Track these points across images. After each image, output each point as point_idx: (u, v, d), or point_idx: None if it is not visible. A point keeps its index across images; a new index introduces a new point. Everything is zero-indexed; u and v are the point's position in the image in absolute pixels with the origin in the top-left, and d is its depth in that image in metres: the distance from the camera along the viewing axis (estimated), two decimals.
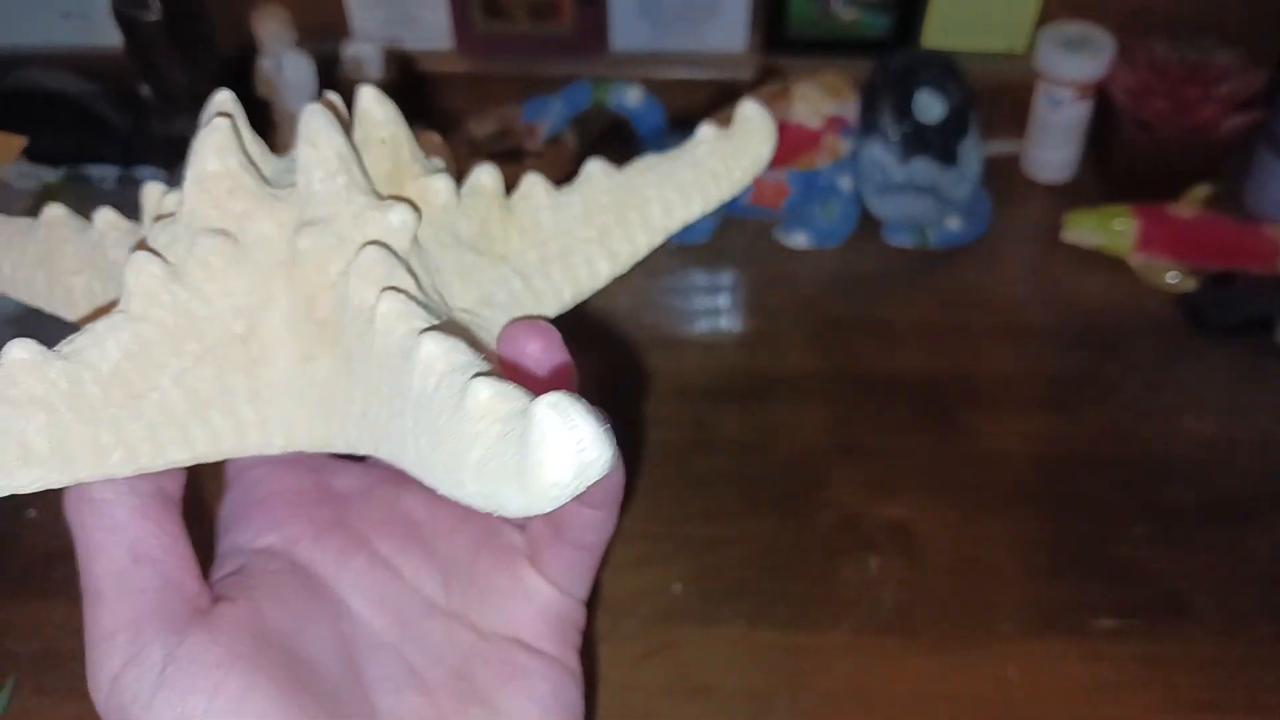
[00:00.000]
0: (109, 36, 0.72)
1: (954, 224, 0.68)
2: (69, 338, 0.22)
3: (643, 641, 0.49)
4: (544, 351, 0.25)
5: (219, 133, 0.24)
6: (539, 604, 0.31)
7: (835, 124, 0.66)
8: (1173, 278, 0.65)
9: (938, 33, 0.74)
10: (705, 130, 0.29)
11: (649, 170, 0.28)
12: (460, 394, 0.18)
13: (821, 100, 0.66)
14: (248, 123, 0.26)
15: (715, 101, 0.72)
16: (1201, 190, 0.66)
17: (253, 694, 0.24)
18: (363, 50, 0.73)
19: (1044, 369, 0.62)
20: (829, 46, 0.74)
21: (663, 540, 0.53)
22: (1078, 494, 0.55)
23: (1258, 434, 0.58)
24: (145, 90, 0.73)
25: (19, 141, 0.65)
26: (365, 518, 0.31)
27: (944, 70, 0.66)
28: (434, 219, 0.26)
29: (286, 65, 0.70)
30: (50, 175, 0.70)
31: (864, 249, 0.68)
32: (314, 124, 0.24)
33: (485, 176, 0.27)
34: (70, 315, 0.28)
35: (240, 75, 0.71)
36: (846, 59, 0.72)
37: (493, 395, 0.17)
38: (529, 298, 0.27)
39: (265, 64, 0.70)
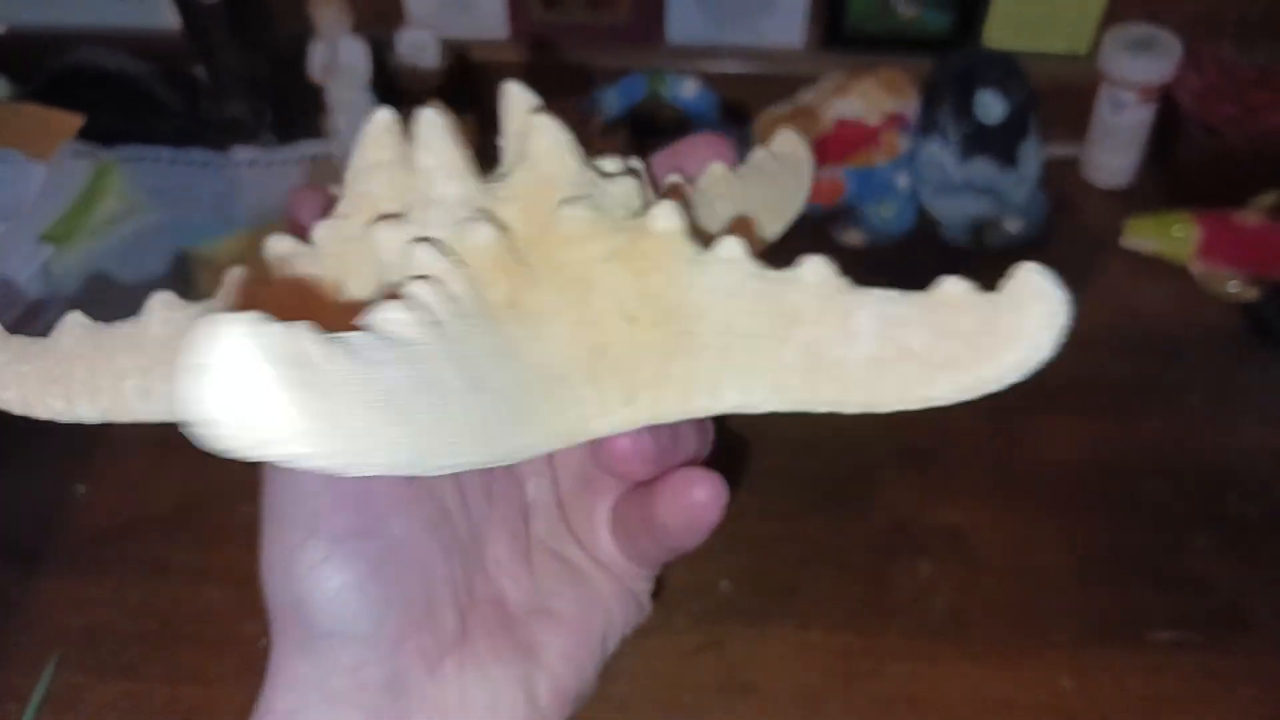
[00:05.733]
0: (166, 18, 0.72)
1: (1011, 226, 0.66)
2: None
3: (692, 637, 0.49)
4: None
5: (376, 125, 0.25)
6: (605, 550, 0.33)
7: (894, 121, 0.66)
8: (1234, 287, 0.64)
9: (999, 32, 0.73)
10: (952, 286, 0.21)
11: (859, 307, 0.21)
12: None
13: (881, 97, 0.65)
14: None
15: (771, 96, 0.71)
16: (1268, 198, 0.65)
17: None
18: (418, 38, 0.72)
19: (1102, 376, 0.60)
20: (888, 43, 0.74)
21: (714, 536, 0.52)
22: (1137, 503, 0.54)
23: None
24: (200, 72, 0.73)
25: (76, 120, 0.65)
26: None
27: (1006, 70, 0.65)
28: (554, 250, 0.23)
29: (342, 51, 0.70)
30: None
31: (919, 248, 0.67)
32: (420, 133, 0.24)
33: (660, 220, 0.22)
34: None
35: (296, 60, 0.71)
36: (905, 56, 0.71)
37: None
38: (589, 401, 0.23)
39: (321, 49, 0.70)
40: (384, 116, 0.25)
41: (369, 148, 0.25)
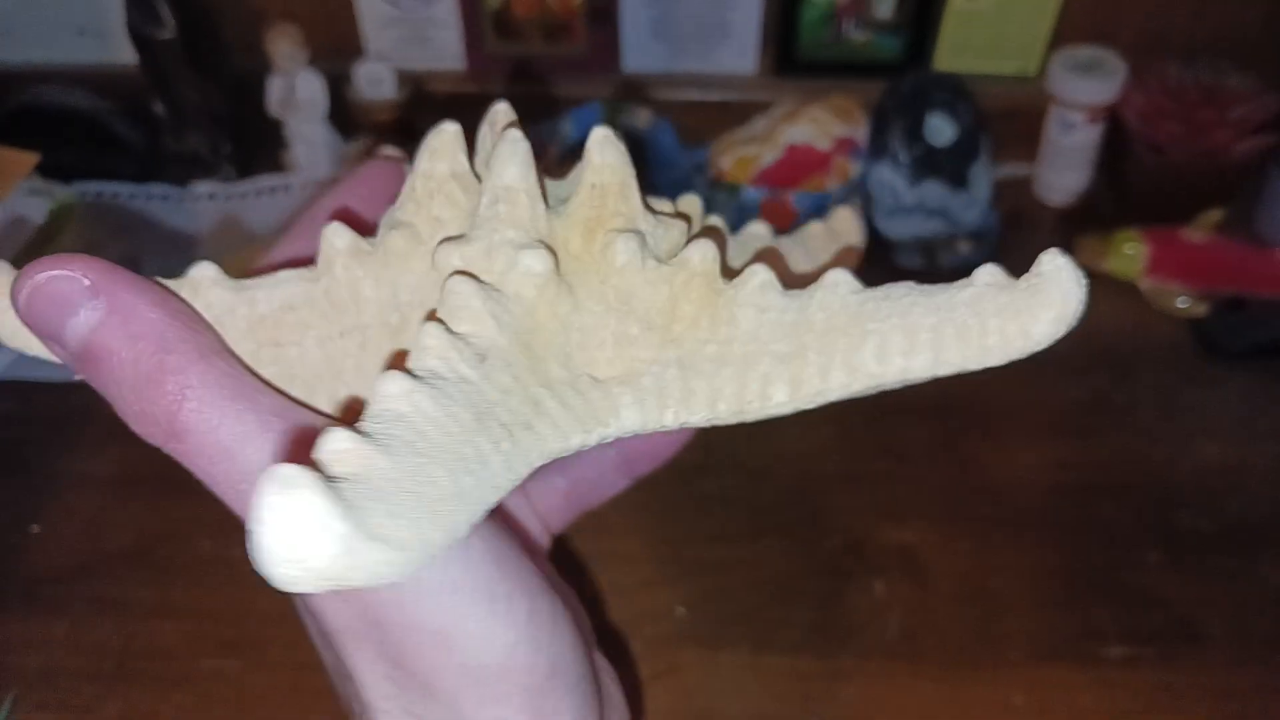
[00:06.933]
0: (123, 54, 0.73)
1: (964, 247, 0.67)
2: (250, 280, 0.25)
3: (647, 664, 0.49)
4: None
5: (443, 137, 0.26)
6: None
7: (844, 146, 0.66)
8: (1183, 302, 0.65)
9: (949, 55, 0.74)
10: (985, 272, 0.24)
11: (892, 299, 0.24)
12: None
13: (831, 122, 0.66)
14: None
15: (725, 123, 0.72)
16: (1213, 215, 0.66)
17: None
18: (375, 70, 0.73)
19: (1054, 394, 0.61)
20: (840, 69, 0.74)
21: (668, 562, 0.53)
22: (1088, 520, 0.55)
23: (1270, 460, 0.57)
24: (158, 107, 0.73)
25: (31, 158, 0.65)
26: None
27: (955, 93, 0.66)
28: (605, 276, 0.24)
29: (299, 84, 0.70)
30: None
31: (872, 271, 0.67)
32: (501, 151, 0.24)
33: (695, 252, 0.24)
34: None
35: (253, 94, 0.72)
36: (857, 81, 0.72)
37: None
38: (677, 393, 0.24)
39: (278, 82, 0.71)
40: (454, 128, 0.26)
41: (444, 159, 0.26)
